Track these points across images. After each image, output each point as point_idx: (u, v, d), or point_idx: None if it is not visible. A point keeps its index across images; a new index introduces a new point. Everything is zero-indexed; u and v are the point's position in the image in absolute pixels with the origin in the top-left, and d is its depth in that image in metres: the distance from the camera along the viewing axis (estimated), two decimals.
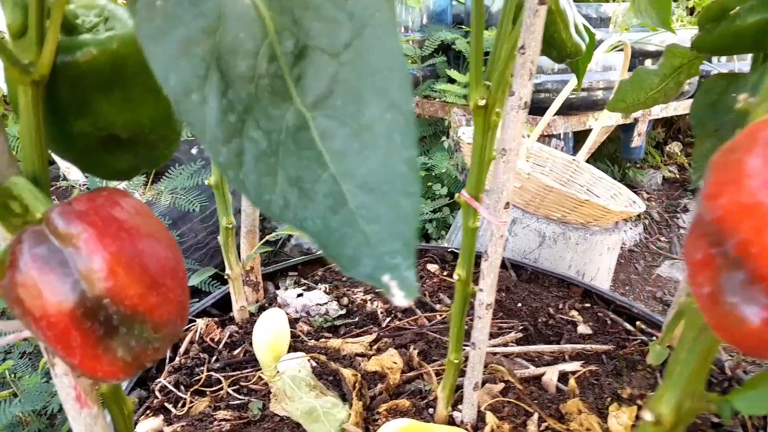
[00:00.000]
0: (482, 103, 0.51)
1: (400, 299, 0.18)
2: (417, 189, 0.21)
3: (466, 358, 0.60)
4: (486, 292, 0.55)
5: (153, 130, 0.36)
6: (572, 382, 0.69)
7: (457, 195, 0.57)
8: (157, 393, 0.66)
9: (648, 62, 1.95)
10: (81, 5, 0.36)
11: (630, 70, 1.26)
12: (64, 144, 0.35)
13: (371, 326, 0.81)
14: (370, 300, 0.87)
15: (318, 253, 1.09)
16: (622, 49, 1.59)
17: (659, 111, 1.97)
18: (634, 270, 2.07)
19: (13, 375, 1.17)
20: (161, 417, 0.63)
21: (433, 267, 0.96)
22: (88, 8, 0.36)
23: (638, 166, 2.83)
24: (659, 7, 0.71)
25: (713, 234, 0.18)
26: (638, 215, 2.30)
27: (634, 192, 2.47)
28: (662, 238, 2.35)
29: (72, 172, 2.10)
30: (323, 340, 0.76)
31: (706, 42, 0.63)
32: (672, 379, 0.28)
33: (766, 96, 0.22)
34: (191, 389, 0.67)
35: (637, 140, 1.99)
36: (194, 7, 0.21)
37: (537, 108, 1.46)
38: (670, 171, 2.95)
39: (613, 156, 2.49)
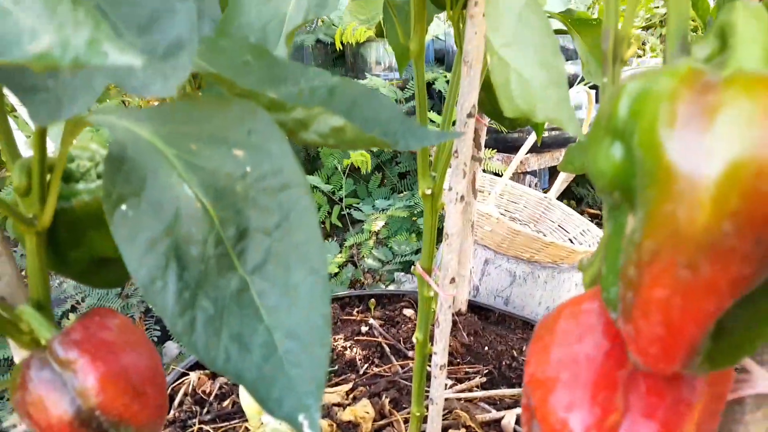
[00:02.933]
0: (429, 192, 0.58)
1: None
2: (329, 340, 0.28)
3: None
4: (439, 355, 0.62)
5: None
6: None
7: (412, 267, 0.64)
8: None
9: None
10: (77, 147, 0.43)
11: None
12: (63, 267, 0.42)
13: (350, 374, 0.87)
14: (349, 347, 0.94)
15: None
16: (593, 86, 1.67)
17: None
18: None
19: None
20: None
21: (408, 312, 1.03)
22: (83, 150, 0.43)
23: None
24: None
25: (526, 389, 0.25)
26: None
27: None
28: None
29: None
30: None
31: None
32: None
33: (594, 260, 0.29)
34: None
35: None
36: (156, 213, 0.28)
37: (510, 147, 1.54)
38: None
39: None
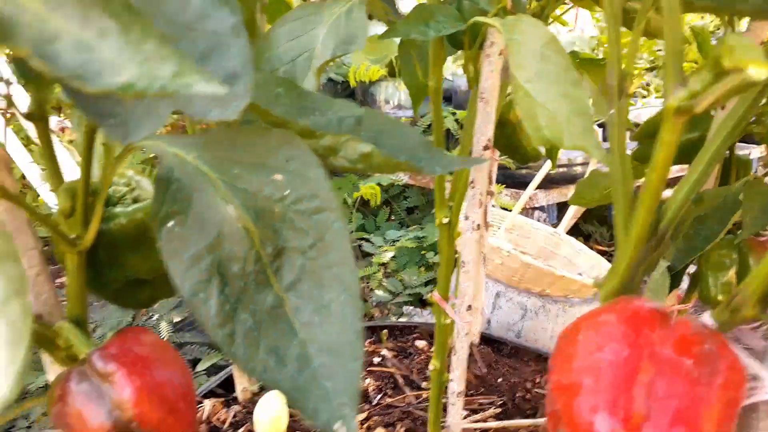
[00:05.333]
0: (446, 221, 0.60)
1: None
2: (362, 354, 0.30)
3: None
4: (456, 382, 0.62)
5: None
6: None
7: (429, 295, 0.65)
8: None
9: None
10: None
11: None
12: (100, 287, 0.43)
13: (363, 404, 0.88)
14: (362, 378, 0.94)
15: None
16: (600, 124, 1.70)
17: None
18: None
19: None
20: None
21: (421, 343, 1.03)
22: (120, 176, 0.45)
23: None
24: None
25: (551, 396, 0.26)
26: None
27: None
28: None
29: None
30: None
31: (644, 155, 0.72)
32: None
33: (609, 275, 0.30)
34: None
35: None
36: (200, 231, 0.30)
37: (519, 183, 1.56)
38: None
39: (601, 217, 2.58)
